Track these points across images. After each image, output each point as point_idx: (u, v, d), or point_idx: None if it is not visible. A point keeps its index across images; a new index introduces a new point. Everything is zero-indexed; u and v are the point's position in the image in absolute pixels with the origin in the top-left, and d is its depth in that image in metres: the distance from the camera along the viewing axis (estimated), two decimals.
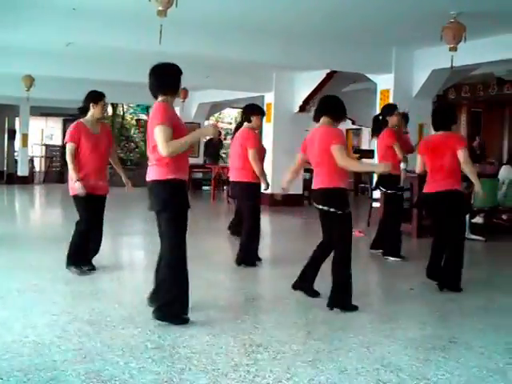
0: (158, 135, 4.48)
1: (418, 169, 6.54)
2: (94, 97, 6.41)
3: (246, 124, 7.21)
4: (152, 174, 4.67)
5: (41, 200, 18.19)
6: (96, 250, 6.56)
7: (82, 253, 6.42)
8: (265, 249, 9.32)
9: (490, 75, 14.03)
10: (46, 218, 13.66)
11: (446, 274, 6.10)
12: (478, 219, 10.46)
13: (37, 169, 23.42)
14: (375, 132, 7.97)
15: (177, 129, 4.55)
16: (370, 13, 8.77)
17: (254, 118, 7.16)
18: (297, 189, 13.01)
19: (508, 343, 4.46)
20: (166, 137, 4.45)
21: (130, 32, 9.07)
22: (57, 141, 23.99)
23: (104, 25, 8.89)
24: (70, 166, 6.26)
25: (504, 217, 11.06)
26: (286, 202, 12.84)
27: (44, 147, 23.71)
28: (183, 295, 4.63)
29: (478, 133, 15.66)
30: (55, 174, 23.39)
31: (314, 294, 5.58)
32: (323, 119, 5.51)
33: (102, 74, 13.03)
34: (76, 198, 6.32)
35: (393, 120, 7.82)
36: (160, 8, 7.12)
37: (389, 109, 8.05)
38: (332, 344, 4.32)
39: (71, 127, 6.42)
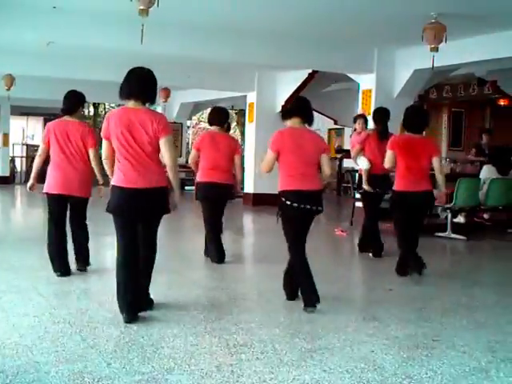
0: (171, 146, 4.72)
1: (388, 164, 6.78)
2: (83, 100, 6.46)
3: (217, 128, 7.36)
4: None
5: (22, 200, 18.05)
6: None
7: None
8: (248, 248, 9.34)
9: (470, 75, 14.14)
10: (27, 218, 13.56)
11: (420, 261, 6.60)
12: (460, 218, 10.54)
13: (18, 169, 23.25)
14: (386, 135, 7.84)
15: None
16: (352, 13, 8.81)
17: (226, 124, 7.72)
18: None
19: (490, 341, 4.50)
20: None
21: (111, 31, 9.05)
22: (38, 140, 23.81)
23: (85, 24, 8.85)
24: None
25: (485, 216, 11.17)
26: (267, 202, 12.96)
27: (25, 147, 23.54)
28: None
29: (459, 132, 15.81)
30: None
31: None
32: (296, 120, 5.35)
33: (83, 73, 12.96)
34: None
35: None
36: (142, 7, 7.11)
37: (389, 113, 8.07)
38: (316, 343, 4.33)
39: (93, 130, 6.51)
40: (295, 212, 5.25)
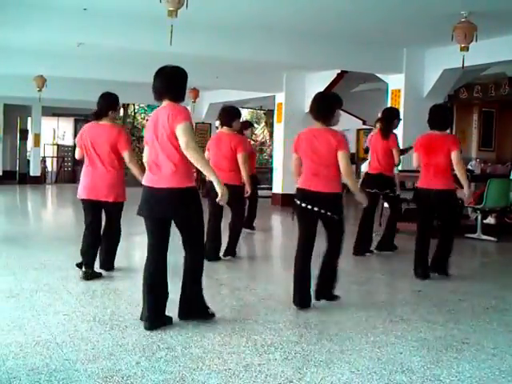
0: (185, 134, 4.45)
1: (414, 163, 6.81)
2: (116, 102, 6.31)
3: (225, 128, 7.35)
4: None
5: (53, 200, 18.28)
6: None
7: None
8: (276, 248, 9.35)
9: (501, 75, 13.97)
10: (58, 217, 13.73)
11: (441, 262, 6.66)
12: (490, 219, 10.42)
13: (49, 169, 23.55)
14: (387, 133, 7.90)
15: None
16: (381, 13, 8.76)
17: (234, 123, 7.43)
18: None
19: None
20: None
21: (140, 32, 9.11)
22: (68, 141, 24.10)
23: (114, 25, 8.94)
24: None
25: None
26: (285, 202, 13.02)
27: (56, 147, 23.83)
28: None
29: (490, 133, 15.60)
30: (67, 174, 23.52)
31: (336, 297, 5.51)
32: (316, 120, 5.33)
33: (112, 74, 13.09)
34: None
35: (395, 124, 8.07)
36: (170, 8, 7.16)
37: (397, 113, 8.19)
38: (344, 344, 4.32)
39: (124, 132, 6.35)
40: (301, 211, 5.25)
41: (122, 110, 21.90)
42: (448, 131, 6.88)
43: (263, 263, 7.45)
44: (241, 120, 7.80)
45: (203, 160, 4.49)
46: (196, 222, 4.61)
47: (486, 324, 4.97)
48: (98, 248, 6.32)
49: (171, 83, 4.60)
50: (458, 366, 3.95)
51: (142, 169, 5.78)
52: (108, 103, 6.22)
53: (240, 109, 8.09)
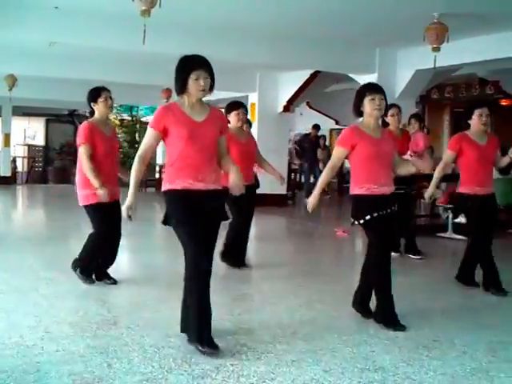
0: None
1: None
2: (92, 96, 5.88)
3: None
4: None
5: (23, 200, 18.06)
6: (113, 260, 6.14)
7: (96, 266, 6.04)
8: (252, 250, 9.34)
9: (472, 75, 14.13)
10: (29, 218, 13.57)
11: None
12: (461, 219, 10.52)
13: (19, 169, 23.27)
14: None
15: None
16: (354, 13, 8.79)
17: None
18: (281, 189, 12.96)
19: (490, 342, 4.49)
20: None
21: (114, 32, 9.03)
22: (39, 141, 23.85)
23: (87, 24, 8.84)
24: (89, 172, 5.63)
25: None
26: (269, 202, 12.94)
27: (26, 147, 23.56)
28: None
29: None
30: (38, 175, 23.27)
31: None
32: None
33: (85, 73, 12.93)
34: (92, 207, 5.76)
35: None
36: (143, 8, 7.10)
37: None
38: (317, 344, 4.33)
39: (82, 128, 5.83)
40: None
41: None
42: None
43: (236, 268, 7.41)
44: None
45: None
46: (174, 228, 4.29)
47: (456, 322, 5.02)
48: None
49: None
50: (429, 363, 3.99)
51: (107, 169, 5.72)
52: (87, 99, 5.95)
53: None
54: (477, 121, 5.96)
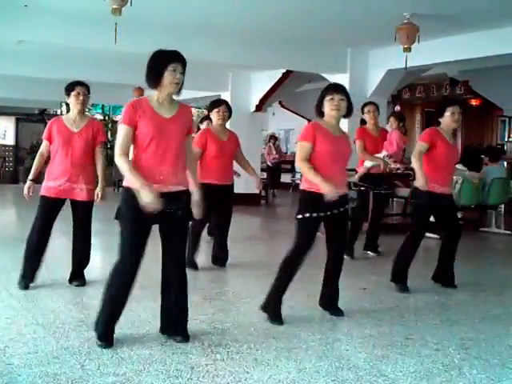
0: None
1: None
2: (66, 89, 5.81)
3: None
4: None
5: None
6: (81, 263, 6.06)
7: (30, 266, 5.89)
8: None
9: (442, 75, 14.28)
10: (0, 218, 13.39)
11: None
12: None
13: None
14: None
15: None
16: (325, 14, 8.84)
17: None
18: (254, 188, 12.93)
19: (462, 338, 4.55)
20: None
21: (84, 30, 8.97)
22: (10, 140, 23.56)
23: (57, 22, 8.77)
24: (33, 165, 5.87)
25: (459, 215, 11.26)
26: (243, 202, 12.91)
27: None
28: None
29: None
30: (8, 174, 22.98)
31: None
32: None
33: (55, 72, 12.81)
34: (41, 198, 5.77)
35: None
36: (114, 6, 7.08)
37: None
38: (291, 342, 4.34)
39: (48, 123, 5.96)
40: None
41: (64, 109, 21.33)
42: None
43: (205, 265, 7.39)
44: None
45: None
46: (120, 223, 4.21)
47: (429, 319, 5.07)
48: None
49: None
50: (402, 361, 4.02)
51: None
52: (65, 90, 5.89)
53: None
54: (449, 118, 5.99)
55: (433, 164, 6.00)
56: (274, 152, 18.16)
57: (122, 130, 4.10)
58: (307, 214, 4.81)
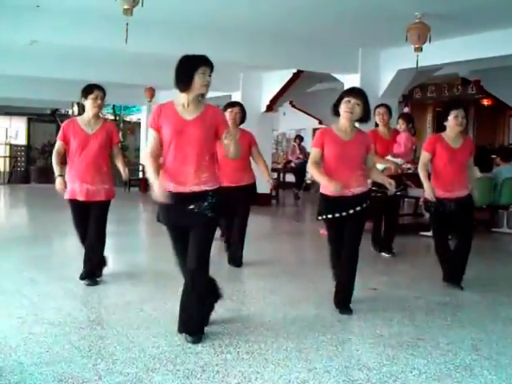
0: None
1: None
2: (84, 91, 5.85)
3: None
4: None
5: (6, 201, 17.90)
6: (92, 261, 6.05)
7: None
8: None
9: (454, 75, 14.22)
10: (12, 218, 13.46)
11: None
12: None
13: (1, 169, 23.07)
14: None
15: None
16: (337, 14, 8.82)
17: None
18: (266, 188, 12.95)
19: (474, 339, 4.53)
20: None
21: (95, 30, 8.99)
22: (21, 140, 23.66)
23: (69, 23, 8.79)
24: (54, 164, 5.89)
25: None
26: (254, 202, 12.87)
27: (8, 147, 23.37)
28: None
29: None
30: (20, 174, 23.08)
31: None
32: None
33: (67, 73, 12.88)
34: (68, 202, 5.94)
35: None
36: (126, 6, 7.10)
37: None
38: (301, 343, 4.34)
39: (63, 124, 6.01)
40: None
41: (76, 109, 21.43)
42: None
43: (223, 263, 7.40)
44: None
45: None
46: None
47: (440, 320, 5.05)
48: None
49: None
50: (413, 362, 4.01)
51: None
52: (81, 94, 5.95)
53: None
54: (453, 122, 6.00)
55: (434, 170, 6.17)
56: (298, 151, 17.83)
57: (150, 133, 4.32)
58: (324, 216, 5.20)
